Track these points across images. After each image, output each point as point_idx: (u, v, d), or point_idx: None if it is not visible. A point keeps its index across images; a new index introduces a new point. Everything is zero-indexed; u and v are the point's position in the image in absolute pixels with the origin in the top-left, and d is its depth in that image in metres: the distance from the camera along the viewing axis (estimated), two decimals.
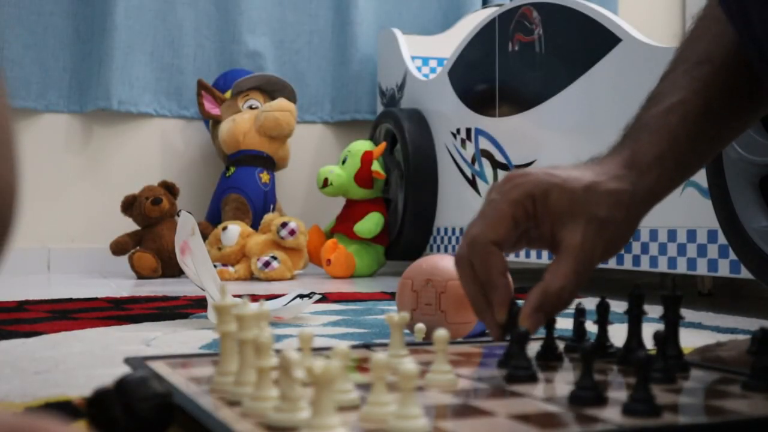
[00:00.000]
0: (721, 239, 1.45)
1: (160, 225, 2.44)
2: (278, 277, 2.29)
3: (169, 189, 2.50)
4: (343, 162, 2.55)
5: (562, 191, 0.66)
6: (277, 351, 0.53)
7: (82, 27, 2.66)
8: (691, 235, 1.55)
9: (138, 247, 2.41)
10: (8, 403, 0.70)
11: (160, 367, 0.68)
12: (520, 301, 0.69)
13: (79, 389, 0.75)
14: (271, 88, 2.66)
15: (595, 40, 1.81)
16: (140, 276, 2.36)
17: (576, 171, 0.68)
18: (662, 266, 1.62)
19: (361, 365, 0.71)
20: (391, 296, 1.73)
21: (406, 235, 2.48)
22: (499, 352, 0.80)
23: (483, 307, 0.68)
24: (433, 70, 2.72)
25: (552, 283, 0.66)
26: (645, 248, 1.67)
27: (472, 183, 2.27)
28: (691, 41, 0.72)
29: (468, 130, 2.29)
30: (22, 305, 1.52)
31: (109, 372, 0.82)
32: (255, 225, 2.50)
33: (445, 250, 2.39)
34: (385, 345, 0.77)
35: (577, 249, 0.66)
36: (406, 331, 1.03)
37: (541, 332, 0.75)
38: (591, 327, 0.75)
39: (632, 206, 0.67)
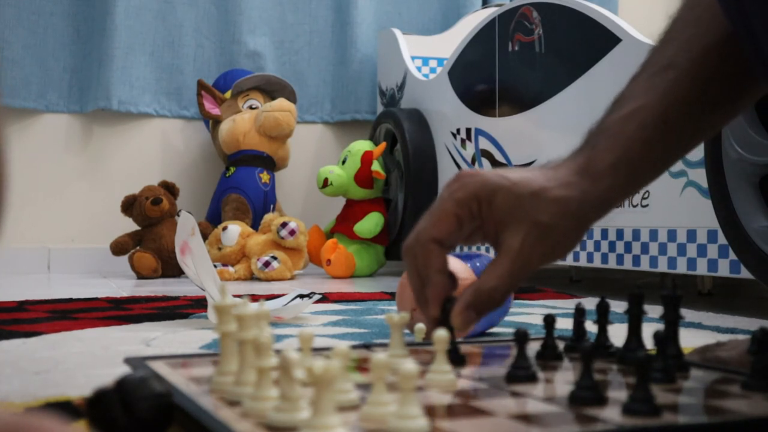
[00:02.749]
0: (721, 239, 1.45)
1: (160, 225, 2.44)
2: (278, 277, 2.29)
3: (169, 189, 2.50)
4: (343, 162, 2.55)
5: (509, 194, 0.67)
6: (277, 351, 0.53)
7: (82, 27, 2.66)
8: (691, 235, 1.55)
9: (138, 247, 2.41)
10: (8, 403, 0.70)
11: (160, 367, 0.68)
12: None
13: (79, 389, 0.75)
14: (271, 88, 2.66)
15: (595, 40, 1.81)
16: (140, 276, 2.36)
17: (527, 175, 0.68)
18: (662, 266, 1.62)
19: (361, 365, 0.71)
20: (391, 296, 1.74)
21: (406, 235, 2.47)
22: (499, 352, 0.80)
23: (421, 300, 0.70)
24: (433, 70, 2.72)
25: (485, 282, 0.67)
26: (645, 248, 1.67)
27: None
28: (662, 44, 0.71)
29: (468, 130, 2.29)
30: (22, 305, 1.52)
31: (109, 372, 0.82)
32: (255, 225, 2.50)
33: None
34: (385, 345, 0.77)
35: (514, 252, 0.66)
36: (406, 331, 1.03)
37: (541, 332, 0.75)
38: (591, 327, 0.75)
39: (580, 214, 0.67)
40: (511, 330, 1.10)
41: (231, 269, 2.33)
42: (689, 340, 1.04)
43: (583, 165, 0.68)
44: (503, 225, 0.67)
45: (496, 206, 0.67)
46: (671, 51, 0.70)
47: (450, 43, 2.64)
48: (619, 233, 1.74)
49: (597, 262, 1.81)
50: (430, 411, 0.54)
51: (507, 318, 1.28)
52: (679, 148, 0.72)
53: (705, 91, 0.68)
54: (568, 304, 1.54)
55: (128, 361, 0.72)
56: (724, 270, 1.47)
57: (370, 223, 2.48)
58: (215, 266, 1.99)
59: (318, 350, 0.69)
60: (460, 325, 0.67)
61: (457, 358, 0.70)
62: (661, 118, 0.68)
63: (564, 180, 0.67)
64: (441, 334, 0.62)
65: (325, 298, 1.64)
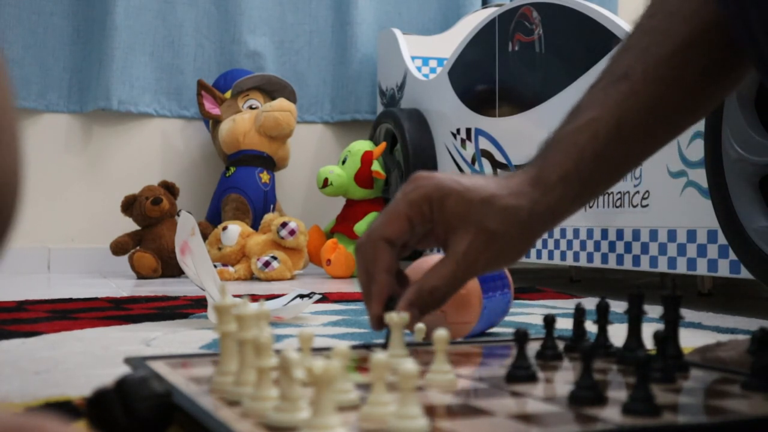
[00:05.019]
0: (721, 239, 1.45)
1: (160, 225, 2.44)
2: (278, 277, 2.29)
3: (169, 189, 2.51)
4: (343, 162, 2.55)
5: (460, 199, 0.68)
6: (277, 351, 0.53)
7: (82, 27, 2.66)
8: (691, 235, 1.55)
9: (138, 247, 2.41)
10: (8, 403, 0.70)
11: (160, 367, 0.68)
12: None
13: (79, 389, 0.75)
14: (271, 88, 2.66)
15: (595, 40, 1.81)
16: (140, 276, 2.36)
17: (480, 182, 0.69)
18: (662, 266, 1.62)
19: (361, 365, 0.71)
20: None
21: None
22: (499, 352, 0.80)
23: (367, 297, 0.73)
24: (433, 70, 2.72)
25: (428, 282, 0.70)
26: (645, 248, 1.67)
27: None
28: (619, 53, 0.71)
29: (468, 130, 2.29)
30: (22, 305, 1.52)
31: (109, 372, 0.82)
32: (255, 225, 2.50)
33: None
34: (385, 345, 0.77)
35: (459, 256, 0.68)
36: (406, 331, 1.03)
37: (541, 332, 0.75)
38: (591, 327, 0.75)
39: (529, 223, 0.68)
40: (511, 330, 1.10)
41: (231, 269, 2.33)
42: (689, 340, 1.04)
43: (534, 176, 0.69)
44: (452, 228, 0.69)
45: (446, 209, 0.68)
46: (627, 61, 0.69)
47: (450, 43, 2.64)
48: (619, 233, 1.74)
49: (597, 262, 1.81)
50: (430, 411, 0.54)
51: (507, 318, 1.28)
52: (632, 159, 0.72)
53: (659, 101, 0.68)
54: (568, 304, 1.54)
55: (128, 361, 0.72)
56: (724, 270, 1.47)
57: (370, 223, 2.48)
58: (215, 266, 1.99)
59: (318, 350, 0.69)
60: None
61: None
62: (614, 129, 0.68)
63: (515, 189, 0.68)
64: (441, 333, 0.62)
65: (325, 298, 1.64)
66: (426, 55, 2.74)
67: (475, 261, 0.68)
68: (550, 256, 1.98)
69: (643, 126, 0.69)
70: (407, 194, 0.70)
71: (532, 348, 0.73)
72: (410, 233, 0.70)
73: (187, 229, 1.19)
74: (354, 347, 0.79)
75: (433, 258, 1.06)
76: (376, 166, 2.49)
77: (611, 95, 0.69)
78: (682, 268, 1.57)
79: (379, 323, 0.72)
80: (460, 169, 2.33)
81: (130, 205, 2.44)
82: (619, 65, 0.70)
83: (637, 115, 0.68)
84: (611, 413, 0.53)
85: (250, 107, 2.62)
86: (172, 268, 2.38)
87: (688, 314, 1.38)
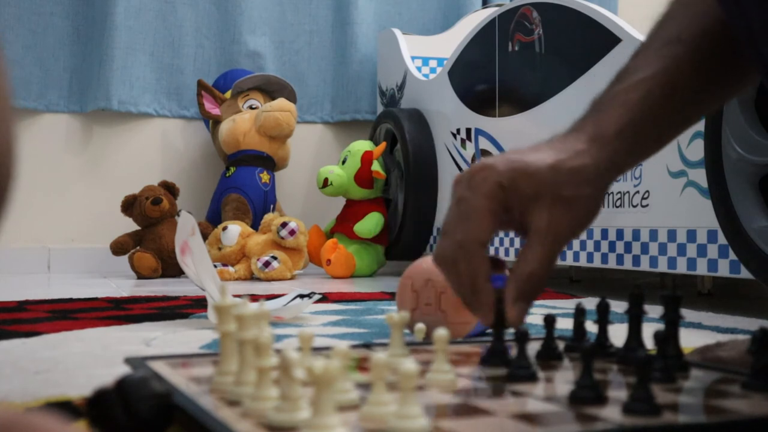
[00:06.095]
0: (721, 239, 1.45)
1: (160, 225, 2.44)
2: (278, 277, 2.29)
3: (169, 189, 2.50)
4: (343, 162, 2.55)
5: (527, 175, 0.66)
6: (277, 351, 0.53)
7: (82, 27, 2.66)
8: (691, 235, 1.55)
9: (138, 247, 2.41)
10: (8, 403, 0.70)
11: (160, 367, 0.68)
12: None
13: (79, 389, 0.75)
14: (271, 88, 2.66)
15: (595, 40, 1.81)
16: (140, 276, 2.36)
17: (538, 152, 0.68)
18: (662, 266, 1.62)
19: (361, 365, 0.71)
20: (391, 296, 1.73)
21: (406, 235, 2.48)
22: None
23: (474, 307, 0.69)
24: (433, 70, 2.72)
25: (523, 270, 0.66)
26: (645, 248, 1.67)
27: None
28: (664, 21, 0.72)
29: (468, 130, 2.29)
30: (22, 305, 1.52)
31: (109, 372, 0.82)
32: (255, 225, 2.50)
33: None
34: (385, 345, 0.77)
35: (543, 232, 0.66)
36: (406, 331, 1.03)
37: (541, 332, 0.75)
38: (591, 327, 0.75)
39: (596, 180, 0.67)
40: (511, 330, 1.10)
41: (231, 269, 2.33)
42: (689, 340, 1.04)
43: (591, 132, 0.68)
44: (526, 207, 0.66)
45: (519, 190, 0.66)
46: (675, 26, 0.71)
47: (450, 43, 2.64)
48: (619, 233, 1.74)
49: (597, 262, 1.81)
50: (430, 411, 0.54)
51: None
52: (684, 119, 0.72)
53: (713, 63, 0.69)
54: (568, 304, 1.54)
55: (128, 361, 0.72)
56: (724, 270, 1.47)
57: (370, 223, 2.48)
58: (215, 266, 1.99)
59: (318, 350, 0.69)
60: (517, 319, 0.66)
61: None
62: (668, 87, 0.68)
63: (575, 149, 0.67)
64: (441, 333, 0.62)
65: (325, 298, 1.64)
66: (426, 55, 2.75)
67: (559, 233, 0.66)
68: None
69: (697, 87, 0.69)
70: (478, 188, 0.66)
71: (532, 348, 0.73)
72: (496, 227, 0.67)
73: (187, 229, 1.19)
74: (354, 347, 0.79)
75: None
76: (376, 166, 2.49)
77: (665, 56, 0.69)
78: (682, 268, 1.57)
79: (497, 330, 0.70)
80: (460, 169, 2.33)
81: (130, 205, 2.44)
82: (666, 31, 0.71)
83: (692, 76, 0.69)
84: (611, 413, 0.53)
85: (250, 107, 2.62)
86: (172, 268, 2.38)
87: (688, 314, 1.38)
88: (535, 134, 2.01)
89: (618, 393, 0.59)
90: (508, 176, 0.66)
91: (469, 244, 0.66)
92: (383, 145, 2.55)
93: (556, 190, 0.66)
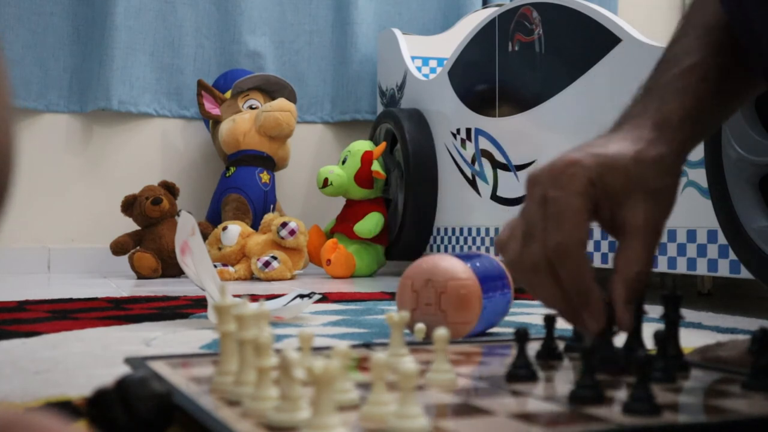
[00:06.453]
0: (721, 239, 1.45)
1: (160, 225, 2.44)
2: (278, 277, 2.29)
3: (169, 189, 2.51)
4: (343, 162, 2.55)
5: (614, 170, 0.63)
6: (277, 351, 0.53)
7: (82, 27, 2.66)
8: (691, 235, 1.55)
9: (138, 247, 2.41)
10: (8, 403, 0.70)
11: (160, 367, 0.68)
12: None
13: (79, 389, 0.75)
14: (271, 88, 2.66)
15: (595, 40, 1.81)
16: (140, 276, 2.36)
17: (614, 143, 0.65)
18: (662, 266, 1.62)
19: (361, 365, 0.71)
20: (391, 296, 1.73)
21: (406, 235, 2.48)
22: (499, 352, 0.80)
23: (576, 314, 0.65)
24: (433, 70, 2.72)
25: (628, 271, 0.64)
26: None
27: (472, 183, 2.27)
28: (696, 10, 0.73)
29: (468, 130, 2.29)
30: (22, 305, 1.52)
31: (109, 372, 0.82)
32: (255, 225, 2.50)
33: (445, 250, 2.39)
34: (385, 345, 0.77)
35: (642, 229, 0.64)
36: (406, 331, 1.03)
37: (541, 332, 0.75)
38: None
39: (673, 168, 0.66)
40: (511, 330, 1.10)
41: (231, 269, 2.33)
42: (689, 340, 1.04)
43: (658, 120, 0.67)
44: (617, 203, 0.64)
45: (608, 186, 0.63)
46: (711, 14, 0.71)
47: (450, 43, 2.64)
48: None
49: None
50: (430, 410, 0.54)
51: (507, 318, 1.28)
52: (742, 96, 0.73)
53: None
54: None
55: (128, 361, 0.72)
56: (724, 270, 1.47)
57: (370, 223, 2.48)
58: (215, 266, 1.99)
59: (318, 350, 0.69)
60: (630, 323, 0.64)
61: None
62: (721, 71, 0.69)
63: (648, 138, 0.66)
64: (441, 333, 0.62)
65: (325, 298, 1.64)
66: (426, 55, 2.74)
67: (655, 226, 0.64)
68: None
69: (741, 72, 0.70)
70: (567, 187, 0.62)
71: (532, 348, 0.73)
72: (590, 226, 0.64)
73: (187, 229, 1.19)
74: (354, 347, 0.79)
75: (432, 258, 1.06)
76: (376, 166, 2.49)
77: (709, 42, 0.69)
78: (682, 268, 1.57)
79: (603, 335, 0.66)
80: (460, 169, 2.33)
81: (130, 205, 2.44)
82: (701, 19, 0.71)
83: (736, 61, 0.69)
84: (612, 412, 0.53)
85: (250, 107, 2.62)
86: (172, 268, 2.38)
87: (688, 314, 1.38)
88: (535, 134, 2.02)
89: (618, 393, 0.59)
90: (596, 171, 0.63)
91: (571, 246, 0.62)
92: (383, 145, 2.55)
93: (644, 183, 0.64)
